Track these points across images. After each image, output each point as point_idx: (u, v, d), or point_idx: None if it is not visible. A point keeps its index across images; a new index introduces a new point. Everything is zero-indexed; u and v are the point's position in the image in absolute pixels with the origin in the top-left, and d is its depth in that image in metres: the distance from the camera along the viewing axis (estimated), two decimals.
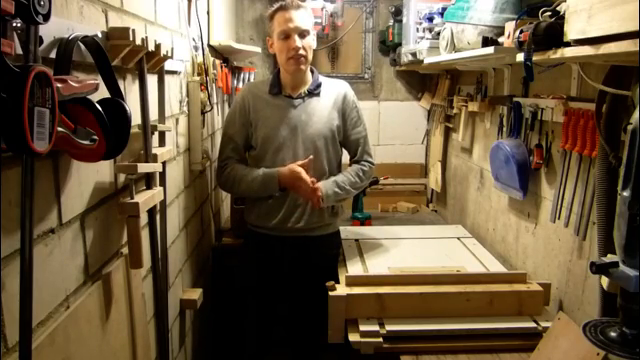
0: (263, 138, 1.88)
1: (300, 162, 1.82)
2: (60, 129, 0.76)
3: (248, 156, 1.99)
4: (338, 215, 2.02)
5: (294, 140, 1.87)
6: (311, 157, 1.81)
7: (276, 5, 1.85)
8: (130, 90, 1.24)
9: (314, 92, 1.91)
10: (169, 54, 1.36)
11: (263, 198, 1.91)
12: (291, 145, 1.87)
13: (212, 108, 2.13)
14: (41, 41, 0.77)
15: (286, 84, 1.92)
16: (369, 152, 2.02)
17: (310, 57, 1.88)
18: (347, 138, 1.98)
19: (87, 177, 1.02)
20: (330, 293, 1.63)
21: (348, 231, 2.41)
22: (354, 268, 1.95)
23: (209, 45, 2.21)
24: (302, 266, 1.96)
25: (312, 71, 1.96)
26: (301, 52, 1.81)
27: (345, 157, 2.06)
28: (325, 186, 1.85)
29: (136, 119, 1.23)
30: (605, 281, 1.10)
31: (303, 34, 1.82)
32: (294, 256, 1.94)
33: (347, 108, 1.96)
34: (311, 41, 1.87)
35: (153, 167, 1.28)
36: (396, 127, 3.38)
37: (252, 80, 2.89)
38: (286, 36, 1.81)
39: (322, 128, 1.89)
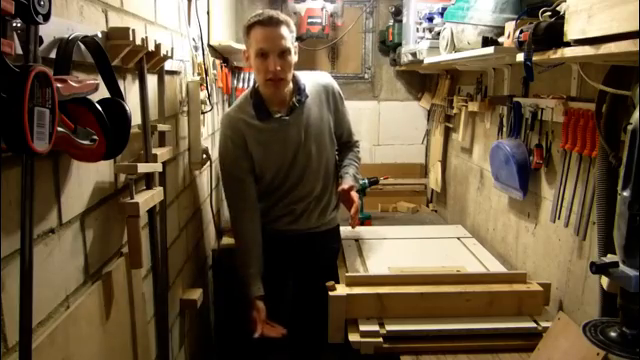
0: (271, 165, 1.81)
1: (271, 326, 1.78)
2: (60, 129, 0.76)
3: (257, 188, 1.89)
4: (338, 209, 2.02)
5: (301, 155, 1.81)
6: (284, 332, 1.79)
7: (253, 18, 1.69)
8: (130, 90, 1.24)
9: (302, 100, 1.81)
10: (169, 54, 1.35)
11: (267, 205, 1.90)
12: (300, 160, 1.82)
13: (212, 108, 2.13)
14: (41, 41, 0.77)
15: (270, 101, 1.79)
16: (353, 132, 2.04)
17: (290, 76, 1.75)
18: (340, 128, 1.95)
19: (87, 177, 1.02)
20: (330, 293, 1.64)
21: (348, 231, 2.41)
22: (354, 268, 1.96)
23: (209, 45, 2.21)
24: (304, 263, 1.96)
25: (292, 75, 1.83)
26: (280, 75, 1.68)
27: None
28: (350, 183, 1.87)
29: (136, 119, 1.22)
30: (605, 281, 1.10)
31: (283, 53, 1.68)
32: (296, 252, 1.94)
33: (336, 102, 1.91)
34: (292, 59, 1.72)
35: (153, 167, 1.28)
36: (396, 127, 3.38)
37: (252, 80, 2.89)
38: (264, 55, 1.67)
39: (321, 133, 1.85)
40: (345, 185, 1.82)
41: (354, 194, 1.82)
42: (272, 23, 1.66)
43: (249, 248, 1.83)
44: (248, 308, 1.80)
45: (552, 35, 1.23)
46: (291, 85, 1.80)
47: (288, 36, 1.70)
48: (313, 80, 1.87)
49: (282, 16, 1.70)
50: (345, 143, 2.02)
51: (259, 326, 1.75)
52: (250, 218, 1.84)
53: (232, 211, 1.89)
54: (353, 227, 1.90)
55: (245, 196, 1.83)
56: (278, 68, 1.67)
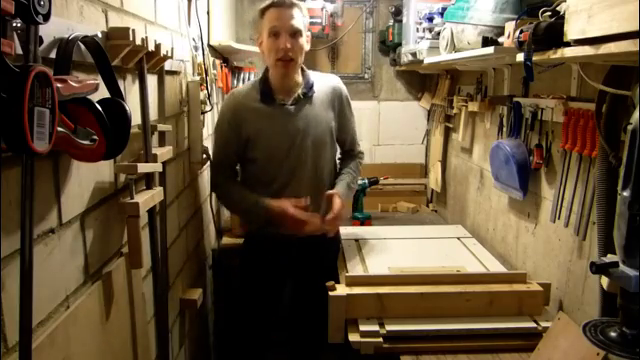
0: (265, 152, 1.82)
1: (296, 203, 1.77)
2: (60, 129, 0.76)
3: (247, 170, 1.92)
4: None
5: (296, 149, 1.82)
6: (307, 202, 1.78)
7: (267, 2, 1.77)
8: (130, 90, 1.24)
9: (308, 94, 1.84)
10: (169, 54, 1.35)
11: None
12: (294, 154, 1.82)
13: (212, 108, 2.13)
14: (41, 41, 0.77)
15: (277, 89, 1.83)
16: (358, 141, 2.05)
17: (300, 60, 1.79)
18: (343, 133, 1.96)
19: (87, 177, 1.02)
20: (330, 293, 1.63)
21: (348, 231, 2.41)
22: (354, 268, 1.96)
23: (209, 45, 2.21)
24: (303, 266, 1.96)
25: (302, 69, 1.87)
26: (290, 54, 1.73)
27: None
28: (342, 193, 1.86)
29: (136, 119, 1.23)
30: (605, 281, 1.10)
31: (294, 34, 1.73)
32: (296, 257, 1.94)
33: (342, 105, 1.92)
34: (303, 43, 1.78)
35: (153, 167, 1.28)
36: (396, 127, 3.38)
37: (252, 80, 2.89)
38: (276, 34, 1.73)
39: (322, 132, 1.85)
40: (332, 190, 1.84)
41: (337, 201, 1.81)
42: (285, 4, 1.73)
43: (242, 195, 1.87)
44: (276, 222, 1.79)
45: (552, 35, 1.23)
46: (300, 79, 1.85)
47: (300, 19, 1.76)
48: (323, 80, 1.91)
49: (296, 1, 1.76)
50: (348, 152, 2.02)
51: (294, 214, 1.76)
52: (232, 180, 1.93)
53: (212, 178, 1.98)
54: (326, 233, 1.84)
55: (229, 165, 1.92)
56: (288, 46, 1.71)
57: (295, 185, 1.85)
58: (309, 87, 1.84)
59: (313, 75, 1.89)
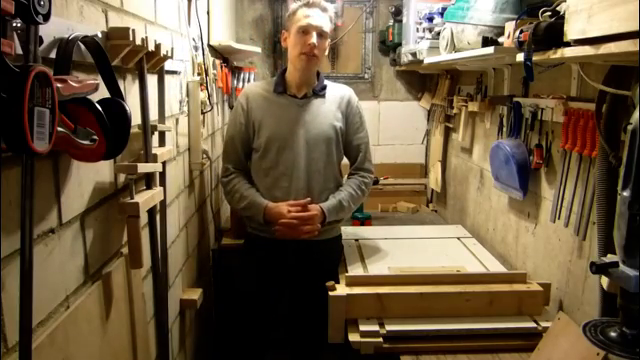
0: (267, 138, 1.86)
1: (295, 202, 1.82)
2: (60, 129, 0.76)
3: (252, 161, 1.94)
4: (342, 219, 2.02)
5: (297, 140, 1.85)
6: (308, 199, 1.83)
7: (302, 2, 1.87)
8: (130, 90, 1.24)
9: (319, 93, 1.91)
10: (169, 54, 1.35)
11: (264, 187, 1.91)
12: (294, 145, 1.85)
13: (212, 108, 2.13)
14: (41, 41, 0.77)
15: (291, 84, 1.91)
16: (370, 160, 2.01)
17: (321, 60, 1.89)
18: (348, 143, 1.97)
19: (87, 177, 1.02)
20: (330, 293, 1.64)
21: (348, 231, 2.41)
22: (354, 268, 1.95)
23: (209, 45, 2.21)
24: (303, 269, 1.96)
25: (318, 73, 1.96)
26: (315, 51, 1.82)
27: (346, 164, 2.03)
28: (329, 210, 1.86)
29: (136, 119, 1.23)
30: (605, 281, 1.10)
31: (321, 35, 1.84)
32: (296, 260, 1.93)
33: (350, 112, 1.95)
34: (325, 45, 1.89)
35: (153, 167, 1.28)
36: (396, 127, 3.38)
37: (252, 80, 2.89)
38: (305, 31, 1.82)
39: (326, 129, 1.88)
40: (310, 201, 1.84)
41: (308, 209, 1.83)
42: (320, 6, 1.86)
43: (244, 194, 1.89)
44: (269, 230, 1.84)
45: (552, 35, 1.23)
46: (315, 80, 1.94)
47: (328, 25, 1.88)
48: (336, 87, 1.99)
49: (329, 6, 1.90)
50: (353, 164, 2.00)
51: (290, 214, 1.81)
52: (239, 172, 1.94)
53: (223, 167, 1.99)
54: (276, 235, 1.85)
55: (234, 150, 1.94)
56: (315, 43, 1.81)
57: (292, 176, 1.85)
58: (321, 87, 1.93)
59: (328, 82, 1.99)
